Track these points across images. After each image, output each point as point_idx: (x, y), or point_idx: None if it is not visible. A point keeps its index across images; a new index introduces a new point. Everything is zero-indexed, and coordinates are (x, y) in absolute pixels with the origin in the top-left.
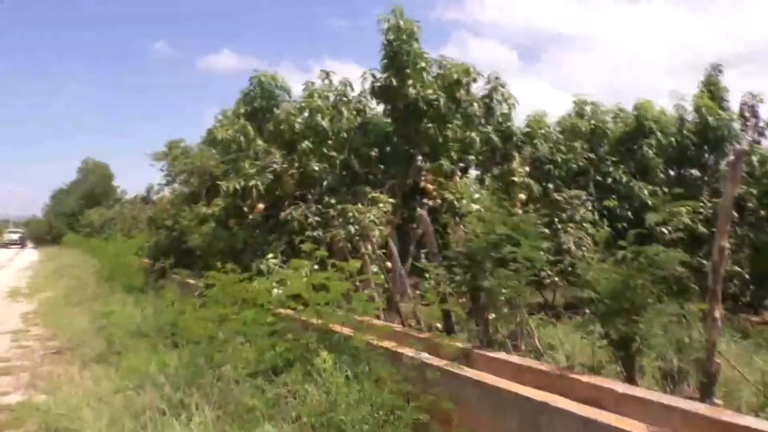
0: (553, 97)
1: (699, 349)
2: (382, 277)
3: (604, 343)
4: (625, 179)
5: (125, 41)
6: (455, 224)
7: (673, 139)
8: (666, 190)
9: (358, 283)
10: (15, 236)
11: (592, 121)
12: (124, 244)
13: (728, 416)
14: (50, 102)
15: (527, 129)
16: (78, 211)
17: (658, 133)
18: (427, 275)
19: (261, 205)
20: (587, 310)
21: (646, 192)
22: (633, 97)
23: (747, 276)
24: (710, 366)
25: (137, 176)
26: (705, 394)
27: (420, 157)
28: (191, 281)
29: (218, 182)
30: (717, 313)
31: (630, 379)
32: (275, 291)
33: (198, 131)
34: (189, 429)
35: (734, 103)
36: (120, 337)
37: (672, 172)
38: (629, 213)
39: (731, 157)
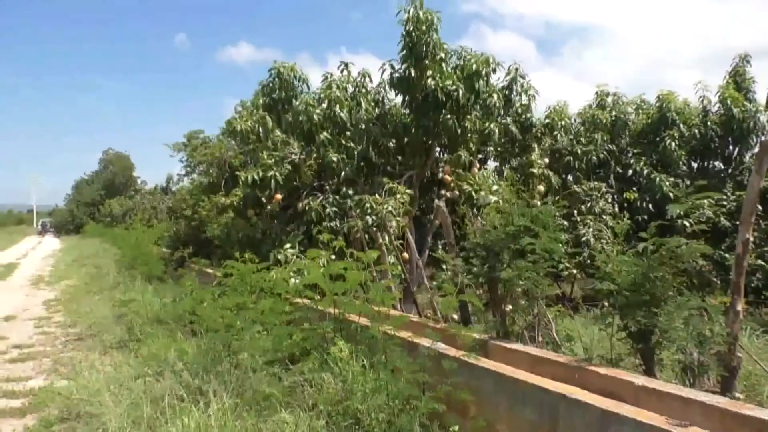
0: (573, 89)
1: (720, 343)
2: (399, 267)
3: (623, 336)
4: (646, 171)
5: (146, 35)
6: (473, 215)
7: (696, 130)
8: (688, 182)
9: (375, 274)
10: (46, 225)
11: (614, 113)
12: (144, 234)
13: (749, 410)
14: (74, 95)
15: (547, 120)
16: (99, 201)
17: (681, 125)
18: (444, 266)
19: (279, 196)
20: (606, 303)
21: (667, 184)
22: (656, 89)
23: None
24: (731, 359)
25: (157, 167)
26: (726, 387)
27: (438, 149)
28: (209, 270)
29: (237, 173)
30: (739, 307)
31: (649, 372)
32: (293, 281)
33: (217, 122)
34: (207, 416)
35: (761, 94)
36: (140, 324)
37: (695, 164)
38: (650, 205)
39: (757, 149)
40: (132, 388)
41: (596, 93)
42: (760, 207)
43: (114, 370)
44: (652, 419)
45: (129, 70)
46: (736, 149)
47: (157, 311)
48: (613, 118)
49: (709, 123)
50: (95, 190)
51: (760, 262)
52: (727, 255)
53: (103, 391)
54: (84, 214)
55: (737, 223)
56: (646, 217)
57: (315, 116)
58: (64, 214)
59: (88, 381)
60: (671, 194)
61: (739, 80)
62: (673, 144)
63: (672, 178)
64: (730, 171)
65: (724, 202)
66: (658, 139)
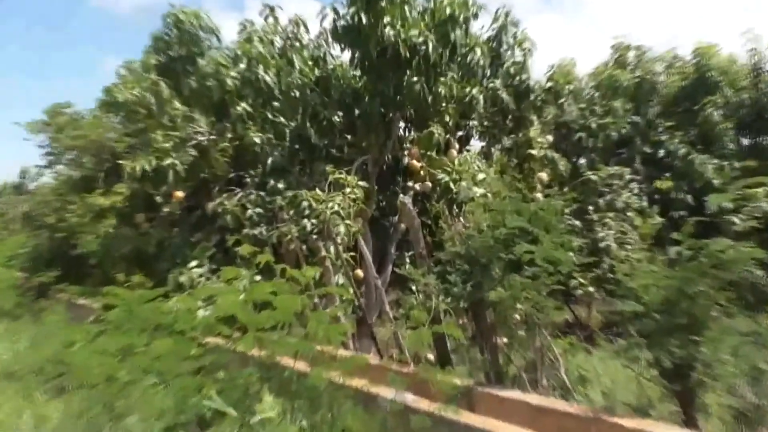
0: (585, 41)
1: None
2: (351, 290)
3: (654, 374)
4: (682, 151)
5: None
6: (451, 215)
7: (746, 95)
8: (737, 164)
9: (316, 299)
10: None
11: (638, 73)
12: None
13: None
14: None
15: (549, 84)
16: None
17: (726, 89)
18: (412, 286)
19: (180, 193)
20: (631, 330)
21: (710, 168)
22: (692, 41)
23: None
24: None
25: (6, 157)
26: None
27: (402, 124)
28: (83, 301)
29: (120, 162)
30: None
31: (690, 422)
32: (201, 312)
33: (92, 92)
34: None
35: None
36: None
37: (745, 141)
38: (688, 196)
39: None
40: None
41: (614, 47)
42: None
43: None
44: None
45: None
46: None
47: (6, 361)
48: (637, 80)
49: (761, 85)
50: None
51: None
52: None
53: None
54: None
55: None
56: (683, 212)
57: (229, 81)
58: None
59: None
60: (715, 181)
61: None
62: (716, 114)
63: (716, 160)
64: None
65: None
66: (696, 107)
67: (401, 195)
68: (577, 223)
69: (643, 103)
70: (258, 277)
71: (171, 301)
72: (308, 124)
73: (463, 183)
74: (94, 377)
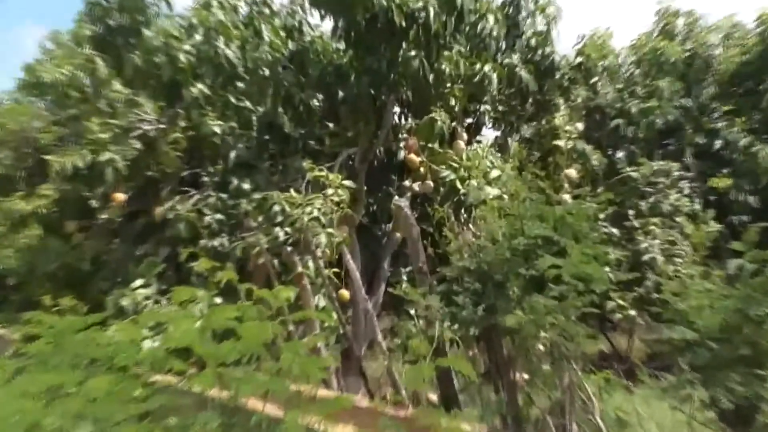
0: (623, 6)
1: None
2: (334, 315)
3: (711, 417)
4: (743, 141)
5: None
6: (458, 222)
7: None
8: None
9: (292, 327)
10: None
11: (688, 45)
12: None
13: None
14: None
15: (579, 59)
16: None
17: None
18: (410, 309)
19: (122, 196)
20: (682, 363)
21: None
22: (755, 6)
23: None
24: None
25: None
26: None
27: (397, 109)
28: (0, 331)
29: (47, 157)
30: None
31: None
32: (148, 343)
33: (9, 70)
34: None
35: None
36: None
37: None
38: (750, 197)
39: None
40: None
41: (659, 13)
42: None
43: None
44: None
45: None
46: None
47: None
48: (688, 53)
49: None
50: None
51: None
52: None
53: None
54: None
55: None
56: (744, 217)
57: (182, 56)
58: None
59: None
60: None
61: None
62: None
63: None
64: None
65: None
66: (761, 87)
67: (396, 197)
68: (615, 230)
69: (695, 82)
70: (218, 300)
71: (110, 330)
72: (280, 110)
73: (473, 182)
74: (11, 427)
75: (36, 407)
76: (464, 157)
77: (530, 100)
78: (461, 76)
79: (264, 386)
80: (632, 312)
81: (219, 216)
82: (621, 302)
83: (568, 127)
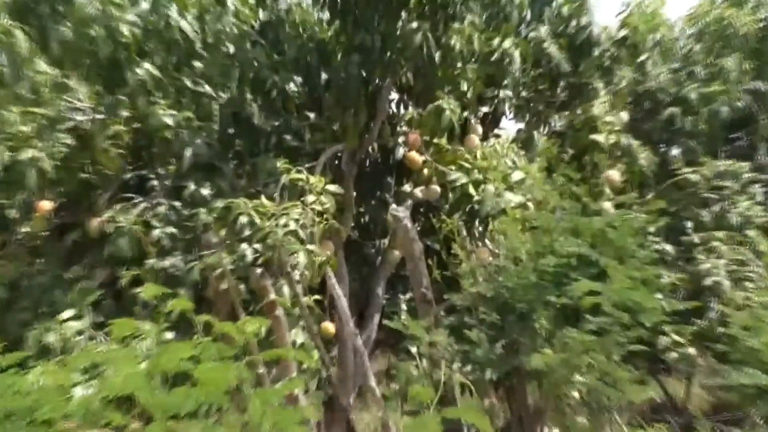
0: None
1: None
2: (316, 353)
3: None
4: None
5: None
6: (472, 237)
7: None
8: None
9: (262, 369)
10: None
11: (763, 14)
12: None
13: None
14: None
15: (623, 33)
16: None
17: None
18: (412, 346)
19: (48, 204)
20: (755, 415)
21: None
22: None
23: None
24: None
25: None
26: None
27: (395, 95)
28: None
29: None
30: None
31: None
32: (79, 390)
33: None
34: None
35: None
36: None
37: None
38: None
39: None
40: None
41: None
42: None
43: None
44: None
45: None
46: None
47: None
48: (762, 25)
49: None
50: None
51: None
52: None
53: None
54: None
55: None
56: None
57: (125, 29)
58: None
59: None
60: None
61: None
62: None
63: None
64: None
65: None
66: None
67: (394, 206)
68: (669, 248)
69: None
70: (169, 335)
71: (31, 374)
72: (249, 97)
73: (490, 186)
74: None
75: None
76: (479, 155)
77: (562, 83)
78: (475, 55)
79: None
80: (691, 350)
81: (171, 229)
82: (677, 338)
83: (609, 118)
